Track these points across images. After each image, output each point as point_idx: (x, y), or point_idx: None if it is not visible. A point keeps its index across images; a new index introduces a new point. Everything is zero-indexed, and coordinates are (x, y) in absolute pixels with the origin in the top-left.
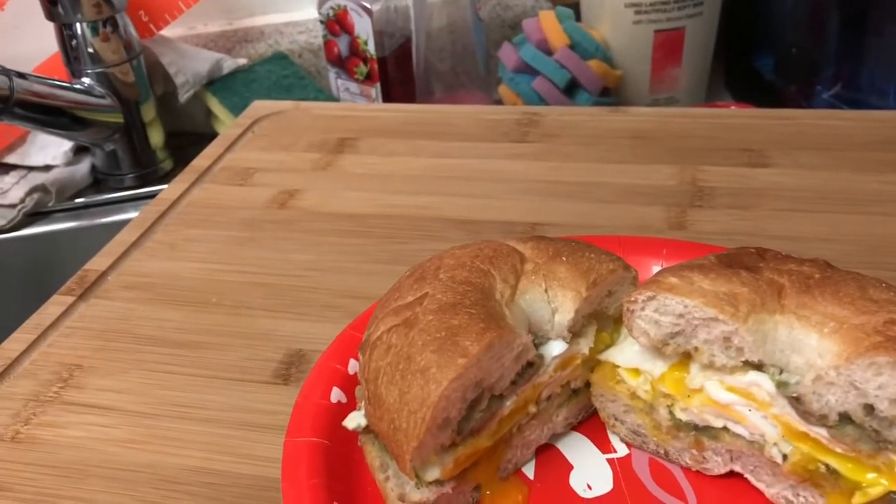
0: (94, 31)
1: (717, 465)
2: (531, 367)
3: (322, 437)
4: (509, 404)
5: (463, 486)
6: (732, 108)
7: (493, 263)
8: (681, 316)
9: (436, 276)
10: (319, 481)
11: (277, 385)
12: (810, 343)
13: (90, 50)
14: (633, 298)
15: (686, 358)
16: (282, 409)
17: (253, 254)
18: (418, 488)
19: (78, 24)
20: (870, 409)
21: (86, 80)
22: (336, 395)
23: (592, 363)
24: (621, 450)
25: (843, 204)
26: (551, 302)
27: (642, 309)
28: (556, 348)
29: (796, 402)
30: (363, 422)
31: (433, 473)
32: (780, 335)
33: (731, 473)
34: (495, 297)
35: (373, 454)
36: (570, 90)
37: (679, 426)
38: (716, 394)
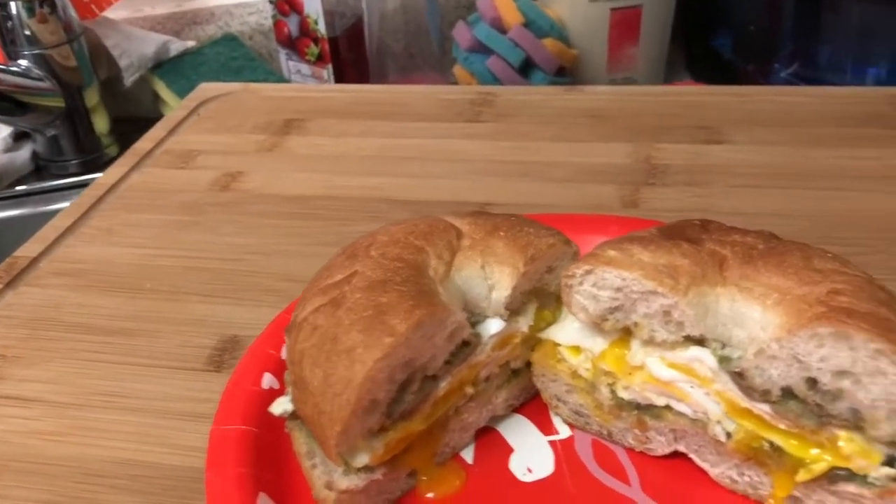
0: (31, 11)
1: (660, 446)
2: (467, 346)
3: (251, 425)
4: (444, 385)
5: (396, 473)
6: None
7: (428, 239)
8: (619, 290)
9: (367, 254)
10: (246, 470)
11: (210, 372)
12: (753, 316)
13: (27, 32)
14: (570, 273)
15: (627, 334)
16: (214, 397)
17: (192, 238)
18: (346, 475)
19: (13, 4)
20: (812, 382)
21: (23, 63)
22: (268, 381)
23: (533, 342)
24: (564, 431)
25: (799, 179)
26: (488, 278)
27: (580, 284)
28: (493, 326)
29: (739, 377)
30: (290, 407)
31: (362, 459)
32: (721, 308)
33: (676, 454)
34: (428, 274)
35: (300, 441)
36: (525, 69)
37: (621, 405)
38: (657, 371)
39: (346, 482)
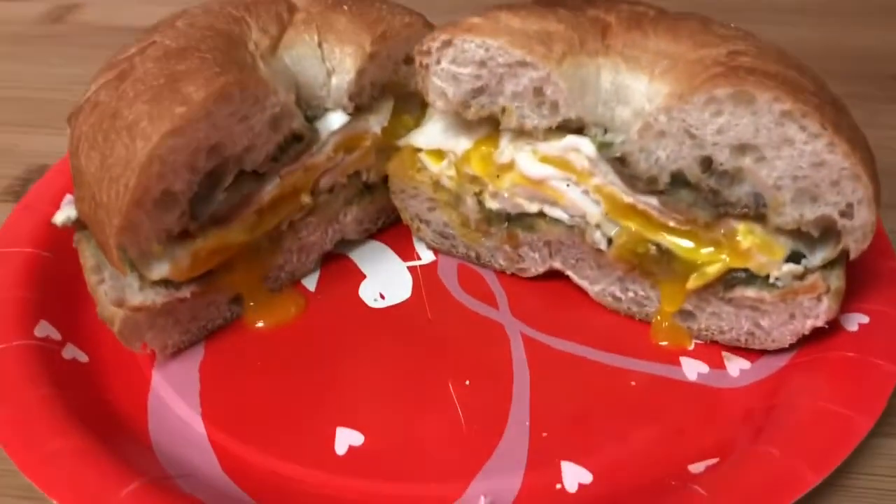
0: None
1: (534, 264)
2: (299, 141)
3: (41, 248)
4: (271, 189)
5: (211, 294)
6: None
7: (250, 10)
8: (482, 64)
9: (171, 25)
10: (25, 295)
11: (7, 203)
12: (639, 88)
13: None
14: (425, 47)
15: (495, 130)
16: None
17: (13, 69)
18: (141, 290)
19: None
20: (707, 163)
21: None
22: (70, 200)
23: (390, 152)
24: (427, 257)
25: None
26: (326, 60)
27: (437, 61)
28: (334, 121)
29: (621, 164)
30: (73, 213)
31: (160, 270)
32: (602, 83)
33: (551, 275)
34: (247, 48)
35: (87, 254)
36: None
37: (490, 218)
38: (528, 167)
39: (139, 297)
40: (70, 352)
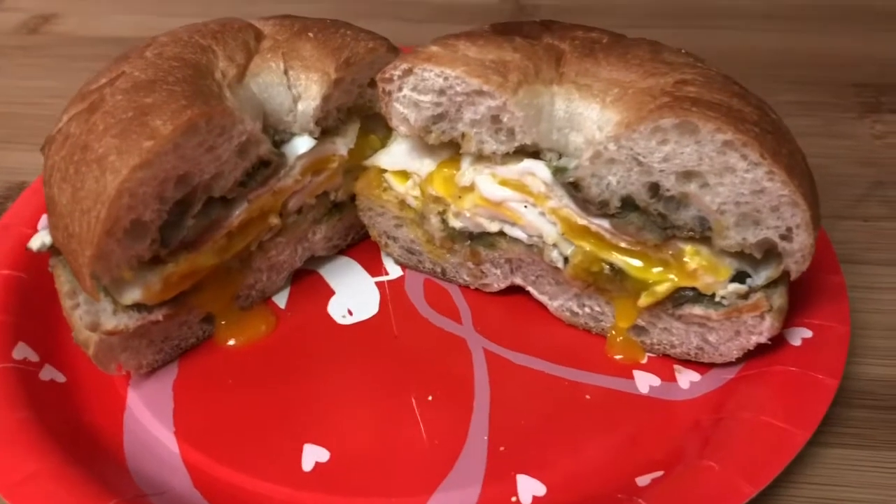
0: None
1: (496, 280)
2: (267, 166)
3: (16, 270)
4: (239, 213)
5: (183, 315)
6: None
7: (217, 39)
8: (442, 92)
9: (141, 55)
10: (4, 318)
11: None
12: (591, 116)
13: None
14: (387, 75)
15: (456, 152)
16: None
17: None
18: (115, 315)
19: None
20: (655, 189)
21: None
22: (46, 222)
23: (358, 172)
24: (395, 272)
25: (679, 19)
26: (292, 87)
27: (399, 89)
28: (301, 145)
29: (575, 189)
30: (48, 240)
31: (132, 295)
32: (557, 110)
33: (514, 290)
34: (214, 77)
35: (62, 279)
36: None
37: (453, 236)
38: (488, 190)
39: (113, 321)
40: (48, 373)
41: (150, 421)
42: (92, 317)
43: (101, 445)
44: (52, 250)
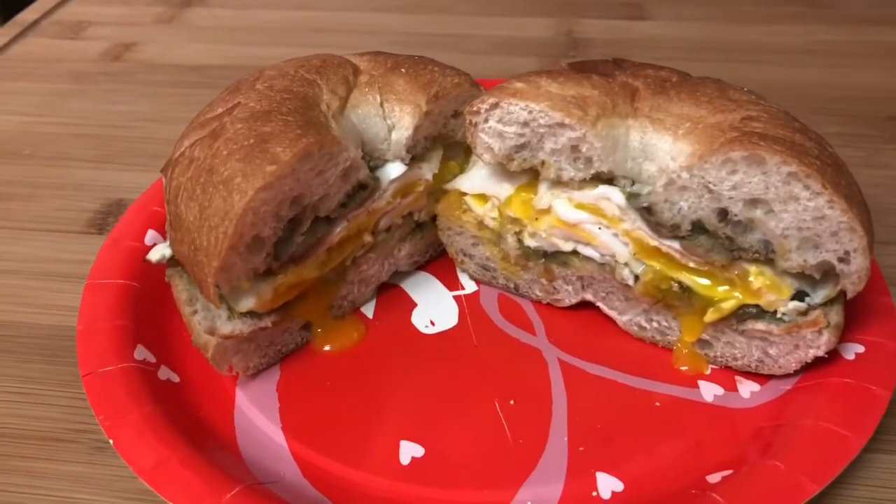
0: None
1: (567, 296)
2: (364, 189)
3: (130, 280)
4: (339, 231)
5: (287, 322)
6: None
7: (321, 73)
8: (525, 125)
9: (252, 87)
10: (123, 323)
11: (91, 235)
12: (664, 147)
13: None
14: (475, 108)
15: (534, 178)
16: (93, 259)
17: (79, 106)
18: (230, 320)
19: None
20: (723, 214)
21: None
22: (152, 237)
23: (439, 194)
24: (470, 287)
25: (720, 53)
26: (387, 118)
27: (485, 120)
28: (393, 171)
29: (648, 213)
30: (167, 252)
31: (247, 303)
32: (632, 141)
33: (583, 306)
34: (320, 108)
35: (179, 288)
36: None
37: (528, 255)
38: (564, 212)
39: (229, 327)
40: (164, 373)
41: (258, 417)
42: (209, 322)
43: (217, 438)
44: (169, 262)
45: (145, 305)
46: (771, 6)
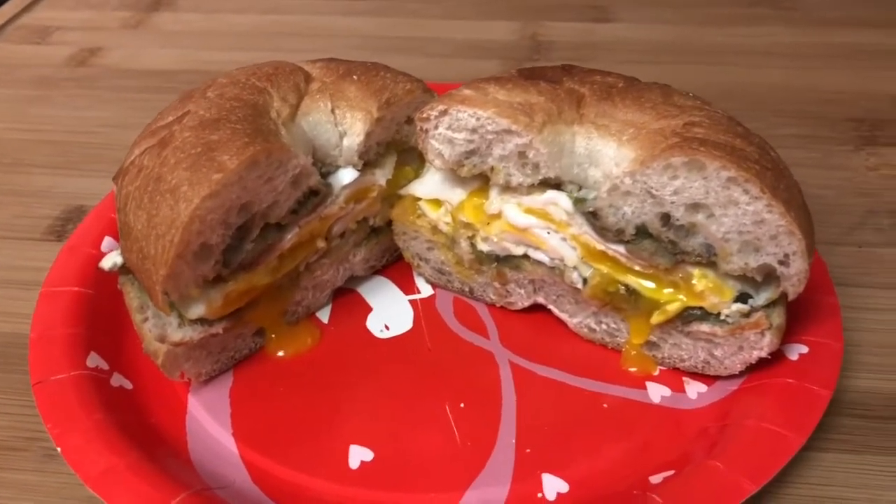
0: None
1: (520, 298)
2: (316, 195)
3: (85, 287)
4: (290, 237)
5: (239, 328)
6: None
7: (272, 81)
8: (474, 131)
9: (203, 94)
10: (76, 331)
11: (49, 242)
12: (608, 153)
13: None
14: (425, 115)
15: (486, 184)
16: (50, 266)
17: (43, 112)
18: (181, 328)
19: None
20: (666, 218)
21: None
22: (108, 244)
23: (394, 199)
24: (426, 291)
25: (684, 55)
26: (339, 124)
27: (435, 127)
28: (345, 177)
29: (593, 217)
30: (119, 260)
31: (197, 310)
32: (577, 147)
33: (536, 308)
34: (270, 116)
35: (131, 295)
36: None
37: (481, 259)
38: (514, 217)
39: (179, 334)
40: (117, 380)
41: (210, 423)
42: (160, 329)
43: (167, 444)
44: (122, 270)
45: (100, 313)
46: (735, 7)
